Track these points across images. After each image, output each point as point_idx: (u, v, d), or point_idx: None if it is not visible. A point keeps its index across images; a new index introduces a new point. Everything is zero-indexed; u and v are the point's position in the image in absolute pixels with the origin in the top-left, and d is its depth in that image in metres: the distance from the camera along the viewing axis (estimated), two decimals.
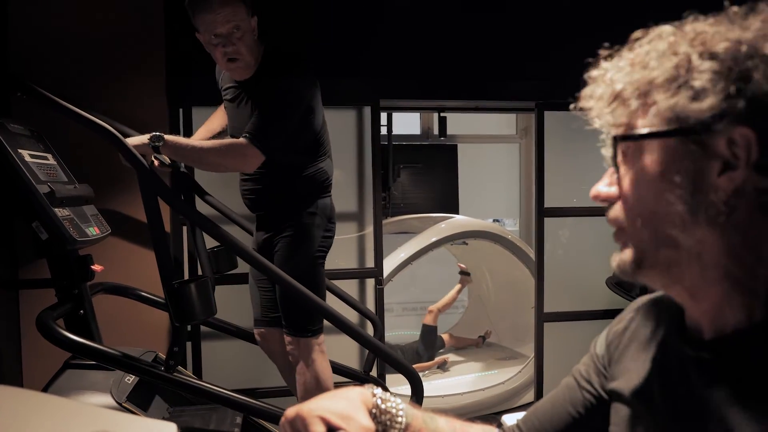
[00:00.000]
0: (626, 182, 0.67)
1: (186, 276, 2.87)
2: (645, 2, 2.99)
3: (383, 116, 4.30)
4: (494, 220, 6.03)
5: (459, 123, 4.91)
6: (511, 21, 3.11)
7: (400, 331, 5.12)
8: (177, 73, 2.78)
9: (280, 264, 2.20)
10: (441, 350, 4.39)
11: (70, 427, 1.17)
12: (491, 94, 3.20)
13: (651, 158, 0.64)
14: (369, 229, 3.11)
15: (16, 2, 2.59)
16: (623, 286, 3.23)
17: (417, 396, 2.39)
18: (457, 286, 4.70)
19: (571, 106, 0.72)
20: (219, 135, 2.49)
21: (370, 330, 2.88)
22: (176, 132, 2.77)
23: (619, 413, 0.79)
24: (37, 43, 2.61)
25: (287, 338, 2.33)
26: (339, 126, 2.94)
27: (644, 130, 0.64)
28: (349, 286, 3.03)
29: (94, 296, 2.16)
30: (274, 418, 1.98)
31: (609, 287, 3.28)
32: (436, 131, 4.62)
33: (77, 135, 2.30)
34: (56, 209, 1.91)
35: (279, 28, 2.73)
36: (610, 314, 3.47)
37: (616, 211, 0.69)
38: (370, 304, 3.10)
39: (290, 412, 0.75)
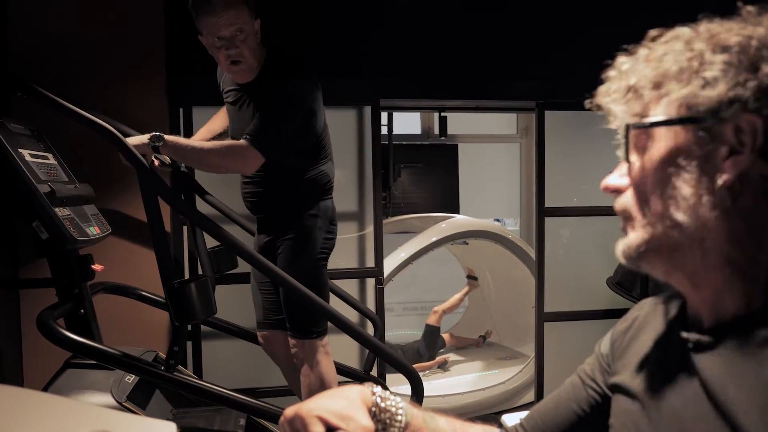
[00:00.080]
0: (636, 169, 0.69)
1: (186, 275, 2.87)
2: (645, 2, 3.00)
3: (384, 116, 4.30)
4: (495, 220, 6.03)
5: (459, 123, 4.91)
6: (511, 21, 3.11)
7: (400, 331, 5.12)
8: (177, 72, 2.78)
9: (283, 266, 2.20)
10: (441, 350, 4.39)
11: (71, 426, 1.17)
12: (492, 93, 3.20)
13: (660, 145, 0.66)
14: (369, 229, 3.11)
15: (16, 2, 2.59)
16: (624, 285, 3.22)
17: (417, 396, 2.39)
18: (464, 290, 4.70)
19: (587, 102, 0.75)
20: (220, 136, 2.49)
21: (370, 330, 2.88)
22: (176, 132, 2.77)
23: (620, 405, 0.79)
24: (38, 43, 2.61)
25: (292, 341, 2.33)
26: (339, 126, 2.94)
27: (656, 118, 0.67)
28: (350, 286, 3.03)
29: (94, 296, 2.16)
30: (275, 417, 1.98)
31: (609, 287, 3.28)
32: (436, 131, 4.62)
33: (78, 135, 2.30)
34: (57, 209, 1.91)
35: (281, 29, 2.73)
36: (611, 314, 3.50)
37: (625, 199, 0.71)
38: (371, 304, 3.10)
39: (289, 411, 0.75)
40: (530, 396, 3.70)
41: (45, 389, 1.90)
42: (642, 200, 0.69)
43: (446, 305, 4.55)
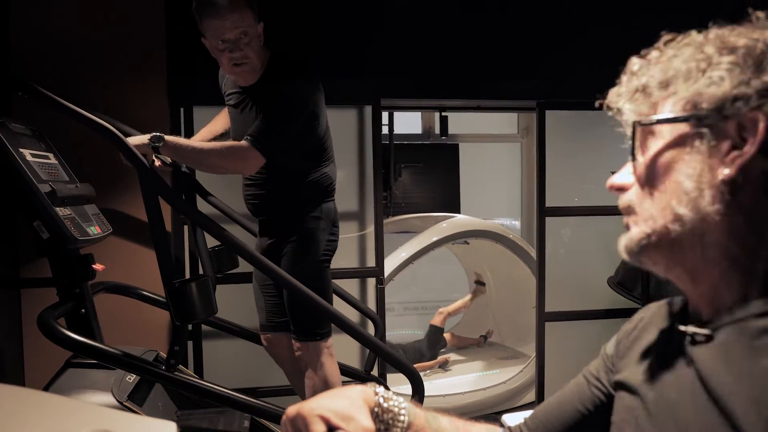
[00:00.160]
0: (641, 165, 0.71)
1: (187, 275, 2.88)
2: (645, 2, 3.00)
3: (384, 115, 4.29)
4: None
5: (460, 122, 4.91)
6: (512, 20, 3.11)
7: (401, 331, 5.12)
8: (178, 72, 2.78)
9: (287, 269, 2.20)
10: (443, 350, 4.40)
11: (72, 425, 1.17)
12: (492, 93, 3.20)
13: (665, 141, 0.69)
14: (370, 229, 3.11)
15: (17, 3, 2.59)
16: (625, 285, 3.22)
17: (418, 396, 2.39)
18: (471, 295, 4.69)
19: (597, 103, 0.77)
20: (221, 137, 2.49)
21: (371, 329, 2.88)
22: (177, 132, 2.77)
23: (622, 401, 0.80)
24: (39, 44, 2.62)
25: (296, 344, 2.33)
26: (340, 125, 2.94)
27: (662, 116, 0.69)
28: (350, 286, 3.04)
29: (95, 295, 2.16)
30: (276, 417, 1.98)
31: (610, 287, 3.28)
32: (437, 131, 4.62)
33: (78, 134, 2.30)
34: (57, 208, 1.92)
35: (282, 30, 2.72)
36: (612, 314, 3.50)
37: (629, 196, 0.73)
38: (371, 304, 3.10)
39: (291, 410, 0.75)
40: (531, 396, 3.70)
41: (46, 389, 1.90)
42: (645, 195, 0.71)
43: (452, 308, 4.55)
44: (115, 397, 1.87)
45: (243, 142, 2.10)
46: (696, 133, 0.66)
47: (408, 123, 5.15)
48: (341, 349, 2.66)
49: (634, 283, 3.19)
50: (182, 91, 2.81)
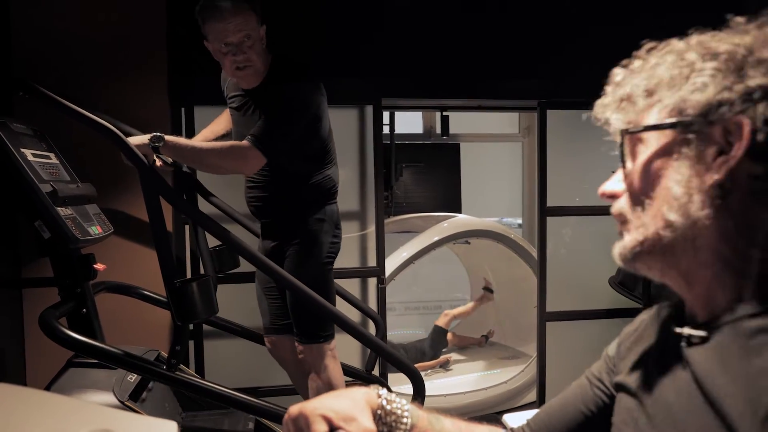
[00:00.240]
0: (631, 173, 0.72)
1: (188, 275, 2.88)
2: (645, 2, 3.00)
3: (385, 115, 4.30)
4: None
5: (461, 122, 4.90)
6: (513, 20, 3.11)
7: (402, 330, 5.12)
8: (179, 72, 2.78)
9: (290, 271, 2.20)
10: (444, 349, 4.40)
11: (73, 425, 1.17)
12: (494, 92, 3.19)
13: (653, 148, 0.70)
14: (371, 228, 3.11)
15: (18, 3, 2.60)
16: (626, 285, 3.22)
17: (419, 395, 2.39)
18: (478, 300, 4.68)
19: (584, 115, 0.77)
20: (223, 137, 2.50)
21: (372, 329, 2.88)
22: (178, 131, 2.78)
23: (621, 403, 0.81)
24: (40, 44, 2.62)
25: (299, 346, 2.33)
26: (341, 125, 2.94)
27: (649, 123, 0.70)
28: (351, 285, 3.04)
29: (96, 295, 2.16)
30: (277, 417, 1.98)
31: (612, 286, 3.28)
32: (438, 130, 4.62)
33: (80, 134, 2.30)
34: (59, 208, 1.92)
35: (284, 32, 2.72)
36: (613, 314, 3.50)
37: (620, 203, 0.75)
38: (372, 303, 3.10)
39: (293, 409, 0.75)
40: (532, 396, 3.70)
41: (47, 388, 1.90)
42: (636, 202, 0.72)
43: (458, 311, 4.56)
44: (116, 397, 1.87)
45: (244, 142, 2.10)
46: (683, 139, 0.67)
47: (409, 123, 5.15)
48: (342, 348, 2.67)
49: (635, 282, 3.19)
50: (183, 91, 2.81)
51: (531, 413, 0.96)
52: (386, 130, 4.21)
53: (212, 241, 2.45)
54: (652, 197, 0.69)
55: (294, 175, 2.29)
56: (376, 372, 2.89)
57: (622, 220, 0.74)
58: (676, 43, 0.71)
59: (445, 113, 4.13)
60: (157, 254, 1.91)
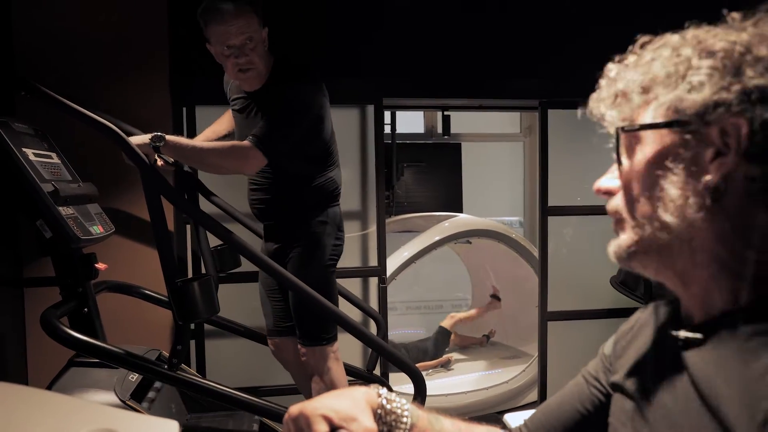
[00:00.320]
0: (626, 171, 0.72)
1: (189, 274, 2.88)
2: (647, 2, 2.99)
3: (387, 115, 4.30)
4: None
5: (463, 122, 4.90)
6: (514, 19, 3.11)
7: (403, 330, 5.12)
8: (180, 72, 2.78)
9: (293, 274, 2.19)
10: (445, 349, 4.40)
11: (74, 424, 1.17)
12: (495, 92, 3.19)
13: (650, 148, 0.69)
14: (372, 228, 3.11)
15: (20, 3, 2.60)
16: (627, 285, 3.22)
17: (420, 395, 2.40)
18: (485, 307, 4.67)
19: (579, 112, 0.76)
20: (224, 138, 2.50)
21: (373, 329, 2.88)
22: (179, 131, 2.78)
23: (617, 403, 0.81)
24: (42, 44, 2.62)
25: (302, 349, 2.33)
26: (342, 125, 2.93)
27: (645, 122, 0.69)
28: (353, 285, 3.04)
29: (98, 294, 2.17)
30: (278, 416, 1.98)
31: (613, 286, 3.27)
32: (439, 130, 4.61)
33: (81, 134, 2.30)
34: (60, 208, 1.92)
35: (285, 33, 2.72)
36: (614, 313, 3.49)
37: (616, 201, 0.74)
38: (374, 303, 3.10)
39: (294, 409, 0.75)
40: (533, 395, 3.69)
41: (49, 387, 1.90)
42: (631, 202, 0.71)
43: (464, 315, 4.56)
44: (117, 396, 1.87)
45: (245, 142, 2.10)
46: (679, 139, 0.66)
47: (410, 122, 5.14)
48: (343, 348, 2.67)
49: (637, 282, 3.19)
50: (184, 91, 2.81)
51: (532, 413, 0.96)
52: (387, 129, 4.21)
53: (213, 241, 2.45)
54: (648, 197, 0.69)
55: (296, 177, 2.29)
56: (377, 372, 2.89)
57: (618, 218, 0.74)
58: (671, 38, 0.70)
59: (446, 113, 4.12)
60: (158, 254, 1.91)
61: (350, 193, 3.07)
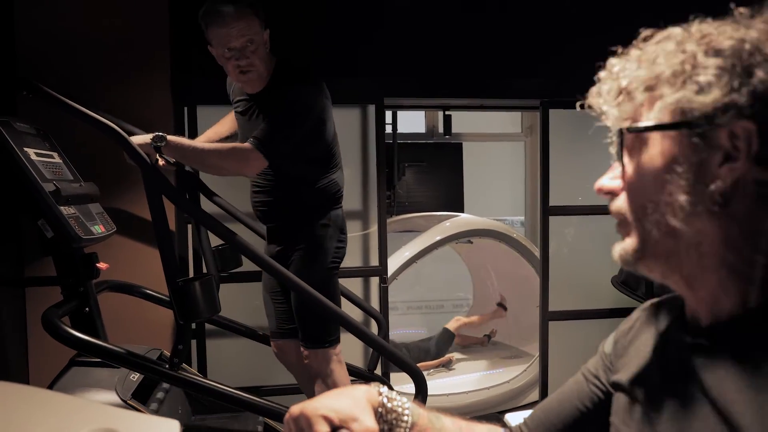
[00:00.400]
0: (630, 173, 0.69)
1: (191, 274, 2.88)
2: (648, 2, 2.98)
3: (388, 114, 4.30)
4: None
5: (464, 121, 4.90)
6: (516, 19, 3.10)
7: (404, 330, 5.12)
8: (182, 72, 2.78)
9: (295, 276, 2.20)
10: (447, 350, 4.40)
11: (75, 423, 1.17)
12: (496, 92, 3.19)
13: (655, 150, 0.66)
14: (373, 228, 3.11)
15: (22, 3, 2.60)
16: (629, 284, 3.21)
17: (421, 395, 2.39)
18: (490, 314, 4.68)
19: (578, 104, 0.74)
20: (227, 139, 2.50)
21: (374, 328, 2.88)
22: (181, 131, 2.78)
23: (619, 402, 0.80)
24: (43, 44, 2.62)
25: (305, 351, 2.33)
26: (344, 125, 2.93)
27: (650, 123, 0.66)
28: (354, 285, 3.04)
29: (99, 294, 2.17)
30: (279, 416, 1.99)
31: (614, 286, 3.27)
32: (441, 130, 4.61)
33: (83, 133, 2.30)
34: (62, 207, 1.92)
35: (286, 32, 2.72)
36: (616, 313, 3.49)
37: (619, 203, 0.72)
38: (375, 303, 3.10)
39: (295, 409, 0.75)
40: (535, 395, 3.69)
41: (50, 387, 1.91)
42: (636, 206, 0.69)
43: (469, 320, 4.57)
44: (118, 396, 1.87)
45: (246, 144, 2.11)
46: (687, 142, 0.63)
47: (411, 122, 5.14)
48: (345, 348, 2.67)
49: (638, 282, 3.18)
50: (186, 90, 2.81)
51: (532, 411, 0.96)
52: (389, 129, 4.21)
53: (215, 240, 2.45)
54: (654, 202, 0.66)
55: (299, 179, 2.29)
56: (378, 371, 2.89)
57: (621, 220, 0.72)
58: (674, 31, 0.68)
59: (447, 113, 4.12)
60: (159, 253, 1.91)
61: (351, 193, 3.07)
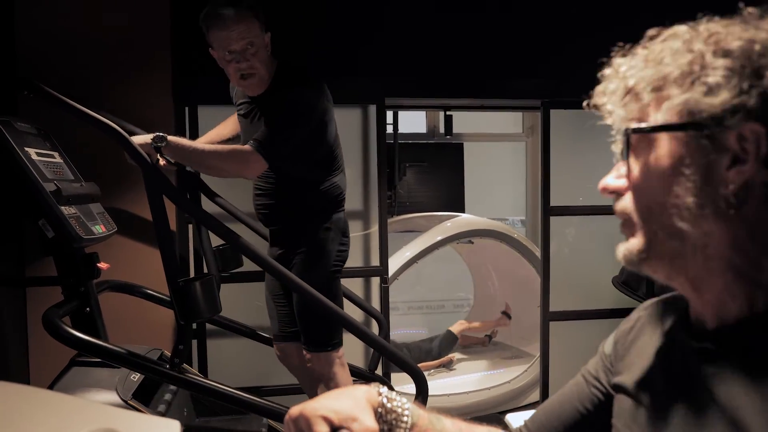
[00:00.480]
0: (636, 174, 0.68)
1: (191, 274, 2.88)
2: (648, 2, 2.98)
3: (389, 115, 4.31)
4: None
5: (465, 121, 4.90)
6: (516, 19, 3.10)
7: (405, 330, 5.12)
8: (183, 72, 2.78)
9: None
10: (449, 351, 4.40)
11: (76, 423, 1.17)
12: (497, 92, 3.19)
13: (662, 151, 0.65)
14: (374, 228, 3.11)
15: (23, 3, 2.60)
16: (629, 285, 3.21)
17: (421, 395, 2.39)
18: (493, 322, 4.67)
19: (585, 102, 0.74)
20: (229, 141, 2.50)
21: (375, 328, 2.87)
22: (182, 131, 2.78)
23: (622, 405, 0.79)
24: (44, 44, 2.62)
25: (307, 355, 2.33)
26: (344, 125, 2.93)
27: (657, 123, 0.65)
28: (354, 285, 3.03)
29: (100, 294, 2.17)
30: (279, 416, 1.98)
31: (615, 286, 3.26)
32: (442, 130, 4.61)
33: (84, 133, 2.30)
34: (63, 207, 1.92)
35: (286, 33, 2.72)
36: (617, 313, 3.49)
37: (624, 203, 0.71)
38: (375, 303, 3.10)
39: (294, 410, 0.74)
40: (535, 395, 3.69)
41: (51, 387, 1.91)
42: (642, 207, 0.68)
43: (472, 325, 4.57)
44: (119, 396, 1.87)
45: (246, 146, 2.11)
46: (694, 143, 0.63)
47: (412, 122, 5.15)
48: (345, 348, 2.67)
49: (639, 282, 3.18)
50: (187, 91, 2.81)
51: (533, 413, 0.96)
52: (390, 129, 4.21)
53: (215, 240, 2.45)
54: (661, 204, 0.65)
55: (301, 182, 2.29)
56: (379, 371, 2.89)
57: (626, 220, 0.71)
58: (682, 30, 0.67)
59: (448, 113, 4.12)
60: (160, 253, 1.91)
61: (352, 193, 3.05)
